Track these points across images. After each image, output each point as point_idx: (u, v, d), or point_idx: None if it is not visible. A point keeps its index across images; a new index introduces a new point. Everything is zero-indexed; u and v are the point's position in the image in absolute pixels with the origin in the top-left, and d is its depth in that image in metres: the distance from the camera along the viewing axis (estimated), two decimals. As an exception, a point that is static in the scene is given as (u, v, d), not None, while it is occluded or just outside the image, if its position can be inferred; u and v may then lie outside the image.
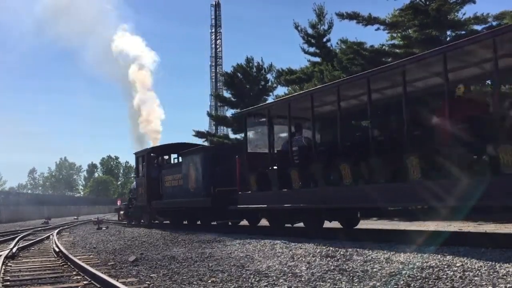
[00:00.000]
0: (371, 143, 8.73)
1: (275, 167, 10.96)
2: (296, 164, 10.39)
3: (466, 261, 5.36)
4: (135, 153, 21.31)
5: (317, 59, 27.31)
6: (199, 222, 16.15)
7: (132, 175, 70.95)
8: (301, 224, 10.97)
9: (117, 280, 5.48)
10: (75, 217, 39.42)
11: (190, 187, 15.12)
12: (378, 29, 21.04)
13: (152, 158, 19.21)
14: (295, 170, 10.23)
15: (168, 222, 18.49)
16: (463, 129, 7.14)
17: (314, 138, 10.43)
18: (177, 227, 15.93)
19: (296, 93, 11.66)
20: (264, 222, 13.00)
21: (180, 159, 16.79)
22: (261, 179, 11.33)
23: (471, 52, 7.38)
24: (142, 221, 20.34)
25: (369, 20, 20.83)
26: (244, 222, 14.63)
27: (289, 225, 11.36)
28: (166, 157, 19.28)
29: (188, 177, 15.29)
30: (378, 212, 11.99)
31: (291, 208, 10.48)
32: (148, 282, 5.52)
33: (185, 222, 17.03)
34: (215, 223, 15.29)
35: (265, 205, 11.37)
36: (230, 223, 15.32)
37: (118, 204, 28.32)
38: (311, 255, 6.80)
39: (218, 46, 67.97)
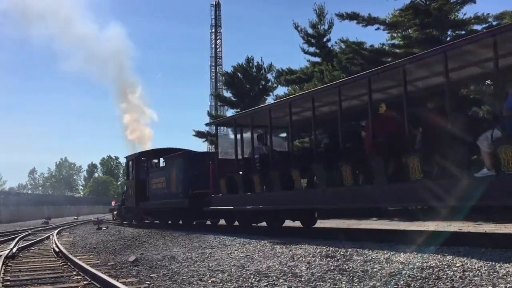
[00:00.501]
0: (314, 153, 10.18)
1: (240, 173, 12.25)
2: (258, 170, 11.63)
3: (466, 261, 5.36)
4: (126, 157, 22.57)
5: (317, 59, 27.32)
6: (181, 222, 17.09)
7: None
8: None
9: (117, 280, 5.48)
10: (75, 217, 39.44)
11: (172, 190, 16.51)
12: (378, 29, 21.05)
13: (141, 162, 20.46)
14: (257, 175, 11.49)
15: (158, 221, 19.45)
16: (381, 142, 8.51)
17: (271, 147, 11.73)
18: (164, 226, 17.09)
19: (256, 107, 13.38)
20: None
21: (165, 164, 18.16)
22: (230, 183, 12.62)
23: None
24: (133, 221, 21.49)
25: (369, 20, 20.82)
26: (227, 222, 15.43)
27: (254, 224, 12.70)
28: (155, 160, 20.14)
29: (170, 180, 16.68)
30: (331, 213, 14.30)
31: (253, 210, 11.90)
32: (148, 282, 5.52)
33: (170, 222, 18.03)
34: (194, 222, 16.40)
35: (232, 207, 12.79)
36: (210, 223, 16.57)
37: (113, 204, 29.63)
38: (311, 255, 6.80)
39: (218, 46, 68.10)
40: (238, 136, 12.91)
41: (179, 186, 15.90)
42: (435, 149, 7.53)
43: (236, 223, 13.79)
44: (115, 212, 26.30)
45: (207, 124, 14.52)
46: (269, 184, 11.26)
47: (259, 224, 12.68)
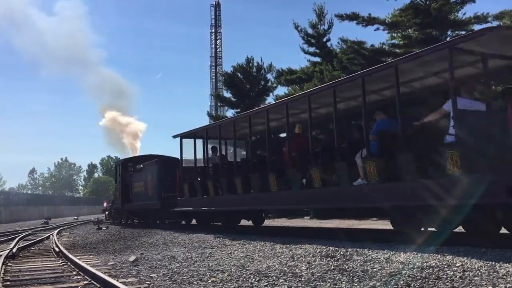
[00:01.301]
0: (250, 163, 12.43)
1: (199, 179, 14.51)
2: (211, 177, 13.82)
3: (466, 261, 5.35)
4: (115, 163, 25.97)
5: (317, 59, 27.30)
6: (158, 222, 18.61)
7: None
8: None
9: (117, 280, 5.48)
10: (75, 217, 39.46)
11: (148, 192, 18.77)
12: (377, 29, 21.04)
13: (127, 167, 22.38)
14: (211, 181, 13.70)
15: (137, 221, 21.79)
16: (295, 156, 10.72)
17: (221, 158, 14.02)
18: (142, 226, 18.94)
19: (210, 124, 16.40)
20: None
21: (143, 169, 20.22)
22: (191, 188, 14.87)
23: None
24: (122, 220, 23.35)
25: (369, 21, 20.81)
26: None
27: (212, 223, 15.10)
28: (141, 166, 21.15)
29: (147, 184, 19.04)
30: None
31: (207, 211, 14.27)
32: (148, 282, 5.52)
33: (150, 221, 19.57)
34: (167, 222, 18.07)
35: (191, 208, 15.11)
36: (184, 222, 18.13)
37: (104, 205, 31.45)
38: (311, 255, 6.80)
39: (218, 46, 67.97)
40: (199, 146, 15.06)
41: (153, 189, 18.12)
42: (329, 164, 9.55)
43: (219, 223, 15.31)
44: (106, 213, 28.14)
45: (174, 136, 15.86)
46: (220, 189, 13.37)
47: (241, 224, 14.74)
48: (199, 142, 14.90)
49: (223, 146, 14.77)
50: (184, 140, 15.45)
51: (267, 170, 11.16)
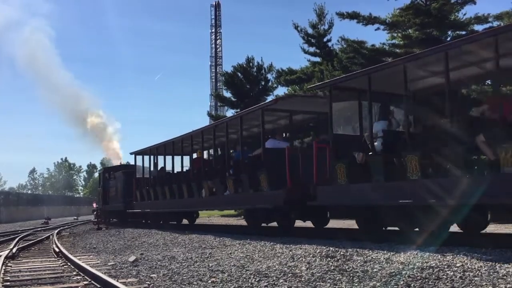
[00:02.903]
0: (181, 173, 16.90)
1: (147, 187, 19.08)
2: (153, 186, 18.36)
3: (466, 261, 5.35)
4: (98, 171, 30.06)
5: (317, 59, 27.30)
6: (122, 221, 22.89)
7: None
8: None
9: (117, 280, 5.47)
10: (75, 217, 39.46)
11: (117, 196, 23.42)
12: (378, 28, 21.05)
13: (105, 175, 26.91)
14: (151, 189, 18.40)
15: (115, 220, 25.36)
16: (197, 172, 15.24)
17: (165, 168, 18.60)
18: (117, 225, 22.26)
19: (155, 144, 18.69)
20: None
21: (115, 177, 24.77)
22: (141, 194, 19.68)
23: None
24: (104, 220, 26.40)
25: (369, 20, 20.82)
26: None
27: (161, 222, 18.26)
28: (115, 174, 25.20)
29: (117, 190, 23.56)
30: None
31: (151, 212, 19.09)
32: (148, 282, 5.52)
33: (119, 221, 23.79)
34: (129, 220, 21.90)
35: (140, 210, 20.08)
36: (144, 221, 21.04)
37: (94, 206, 34.15)
38: (311, 255, 6.80)
39: (218, 46, 68.04)
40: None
41: (121, 194, 22.61)
42: (239, 176, 12.34)
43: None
44: (95, 213, 30.83)
45: (131, 153, 20.98)
46: (160, 195, 17.48)
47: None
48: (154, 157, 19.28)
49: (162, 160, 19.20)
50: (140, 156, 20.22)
51: (180, 182, 15.81)
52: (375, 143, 8.81)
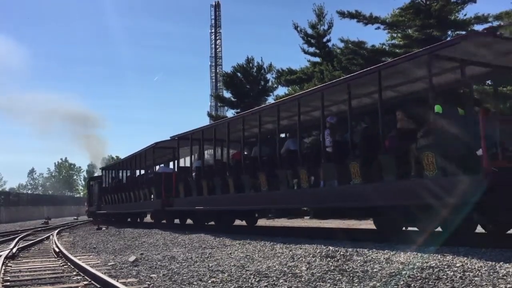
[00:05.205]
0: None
1: (112, 194, 24.06)
2: (112, 191, 23.95)
3: (466, 261, 5.36)
4: (86, 178, 35.02)
5: (317, 59, 27.29)
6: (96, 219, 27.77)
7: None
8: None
9: (117, 281, 5.47)
10: (75, 217, 39.47)
11: (96, 200, 29.40)
12: (378, 28, 21.05)
13: (91, 183, 33.37)
14: (110, 194, 24.40)
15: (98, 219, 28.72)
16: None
17: (124, 176, 23.65)
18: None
19: (126, 157, 23.41)
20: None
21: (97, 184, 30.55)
22: (108, 199, 25.31)
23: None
24: (91, 218, 31.61)
25: (370, 19, 20.83)
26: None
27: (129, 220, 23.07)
28: (94, 182, 32.25)
29: (96, 195, 29.57)
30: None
31: (115, 212, 24.13)
32: (148, 283, 5.51)
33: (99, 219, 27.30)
34: (99, 219, 26.10)
35: (105, 211, 26.00)
36: (113, 219, 25.61)
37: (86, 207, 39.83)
38: (311, 255, 6.80)
39: (218, 46, 67.93)
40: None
41: (97, 198, 28.86)
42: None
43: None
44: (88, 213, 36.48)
45: (101, 169, 28.20)
46: (125, 199, 21.56)
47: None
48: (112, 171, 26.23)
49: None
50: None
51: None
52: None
